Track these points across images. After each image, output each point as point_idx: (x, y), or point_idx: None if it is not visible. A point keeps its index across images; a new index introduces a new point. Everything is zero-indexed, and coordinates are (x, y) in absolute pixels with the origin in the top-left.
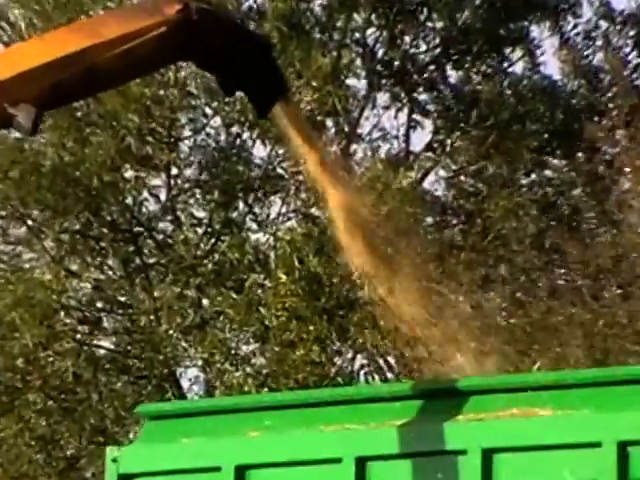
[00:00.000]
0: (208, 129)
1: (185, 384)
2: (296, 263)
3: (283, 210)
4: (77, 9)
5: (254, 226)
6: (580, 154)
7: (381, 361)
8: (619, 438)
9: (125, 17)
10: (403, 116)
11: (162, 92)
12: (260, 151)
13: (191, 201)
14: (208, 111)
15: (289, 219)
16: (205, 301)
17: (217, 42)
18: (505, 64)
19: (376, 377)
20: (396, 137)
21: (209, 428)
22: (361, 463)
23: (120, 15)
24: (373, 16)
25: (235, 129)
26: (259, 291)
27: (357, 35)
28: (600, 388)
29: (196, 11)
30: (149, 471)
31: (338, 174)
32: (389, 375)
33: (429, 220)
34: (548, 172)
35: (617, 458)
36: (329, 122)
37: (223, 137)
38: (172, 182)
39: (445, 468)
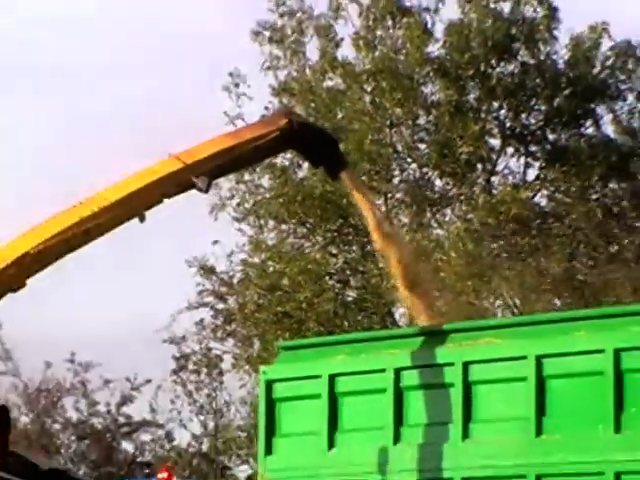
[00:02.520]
0: None
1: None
2: None
3: None
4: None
5: None
6: None
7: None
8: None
9: (255, 126)
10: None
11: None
12: None
13: None
14: None
15: None
16: None
17: (308, 139)
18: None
19: None
20: (518, 173)
21: (316, 355)
22: (397, 372)
23: (254, 125)
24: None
25: None
26: None
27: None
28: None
29: (296, 123)
30: (282, 377)
31: (391, 229)
32: None
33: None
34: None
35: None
36: (479, 165)
37: None
38: None
39: (440, 374)
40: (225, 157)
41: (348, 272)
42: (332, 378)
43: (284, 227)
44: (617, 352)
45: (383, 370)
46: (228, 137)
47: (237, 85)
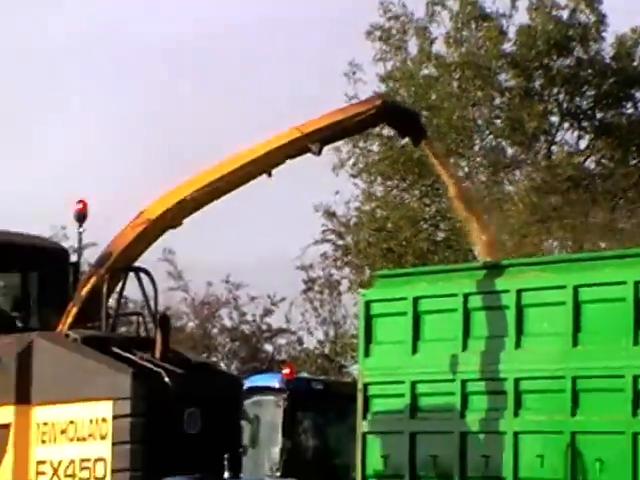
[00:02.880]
0: None
1: None
2: None
3: None
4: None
5: None
6: None
7: None
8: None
9: (357, 105)
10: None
11: None
12: None
13: None
14: None
15: None
16: None
17: (396, 115)
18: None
19: None
20: (572, 144)
21: (404, 282)
22: (466, 296)
23: (357, 104)
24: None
25: None
26: None
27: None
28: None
29: (388, 103)
30: (377, 299)
31: (469, 192)
32: None
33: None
34: None
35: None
36: (542, 137)
37: None
38: None
39: (499, 299)
40: (334, 128)
41: (439, 218)
42: (416, 300)
43: (389, 183)
44: (636, 283)
45: (455, 294)
46: (337, 113)
47: (354, 73)
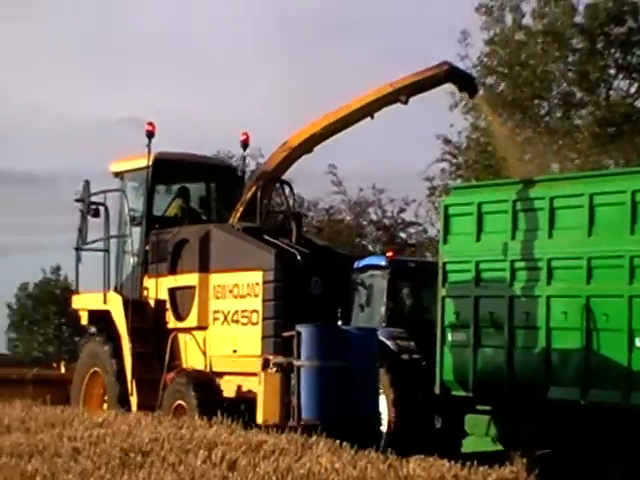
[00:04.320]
0: None
1: None
2: None
3: None
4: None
5: None
6: None
7: None
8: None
9: (431, 69)
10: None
11: None
12: None
13: None
14: None
15: None
16: None
17: (458, 76)
18: None
19: None
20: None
21: (470, 191)
22: (514, 202)
23: (430, 68)
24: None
25: None
26: None
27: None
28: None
29: (452, 67)
30: (453, 203)
31: (515, 141)
32: None
33: None
34: None
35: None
36: (602, 84)
37: None
38: None
39: (537, 203)
40: (415, 85)
41: (526, 143)
42: (479, 204)
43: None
44: (633, 192)
45: (506, 200)
46: (418, 74)
47: (465, 39)
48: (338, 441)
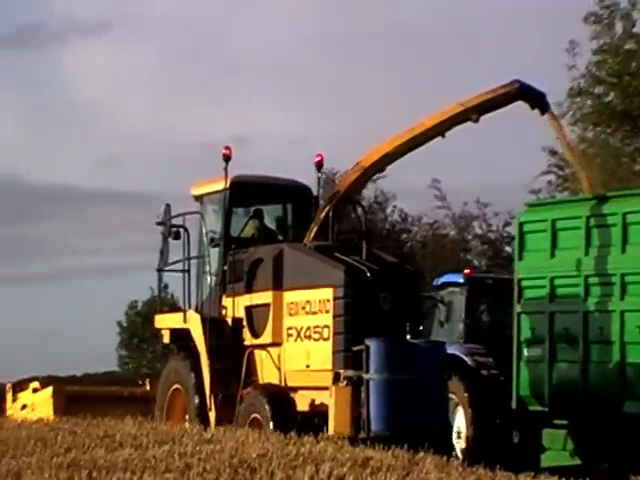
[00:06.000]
0: None
1: None
2: None
3: None
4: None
5: None
6: None
7: None
8: None
9: (502, 87)
10: None
11: None
12: None
13: None
14: None
15: None
16: None
17: (529, 95)
18: None
19: None
20: None
21: (544, 209)
22: (588, 218)
23: (502, 86)
24: None
25: None
26: None
27: None
28: None
29: (524, 85)
30: (527, 220)
31: (582, 158)
32: None
33: None
34: None
35: None
36: None
37: None
38: None
39: (609, 218)
40: (486, 104)
41: (636, 154)
42: (553, 221)
43: (598, 128)
44: None
45: (580, 217)
46: (489, 92)
47: (574, 48)
48: (445, 457)
